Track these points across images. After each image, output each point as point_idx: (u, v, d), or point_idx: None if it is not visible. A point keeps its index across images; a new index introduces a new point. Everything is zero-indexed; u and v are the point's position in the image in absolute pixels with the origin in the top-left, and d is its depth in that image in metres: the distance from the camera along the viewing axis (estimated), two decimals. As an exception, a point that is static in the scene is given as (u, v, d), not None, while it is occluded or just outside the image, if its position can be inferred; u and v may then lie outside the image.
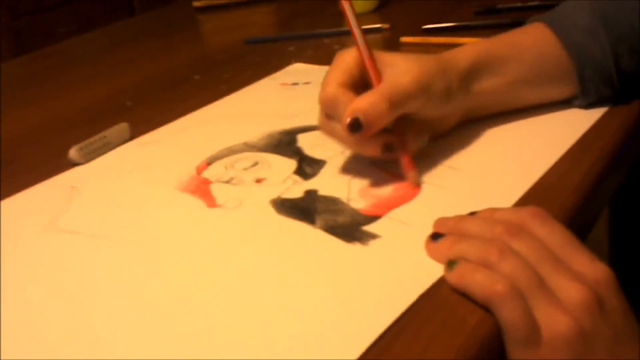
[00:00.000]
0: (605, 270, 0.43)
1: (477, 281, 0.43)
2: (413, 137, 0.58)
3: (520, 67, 0.63)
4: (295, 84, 0.85)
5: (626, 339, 0.42)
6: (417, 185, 0.57)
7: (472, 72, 0.62)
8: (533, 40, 0.65)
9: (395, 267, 0.47)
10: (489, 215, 0.49)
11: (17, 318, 0.48)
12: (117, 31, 1.37)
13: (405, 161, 0.57)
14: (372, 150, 0.58)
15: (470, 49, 0.64)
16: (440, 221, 0.50)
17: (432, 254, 0.47)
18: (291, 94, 0.82)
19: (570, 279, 0.42)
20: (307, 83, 0.85)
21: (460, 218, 0.49)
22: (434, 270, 0.46)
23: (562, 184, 0.54)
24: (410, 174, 0.57)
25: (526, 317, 0.41)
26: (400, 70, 0.58)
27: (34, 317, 0.48)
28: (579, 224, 0.51)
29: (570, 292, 0.41)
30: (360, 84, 0.59)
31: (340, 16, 1.10)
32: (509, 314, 0.41)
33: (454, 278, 0.44)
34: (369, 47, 0.59)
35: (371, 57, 0.59)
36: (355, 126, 0.55)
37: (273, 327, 0.43)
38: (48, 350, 0.44)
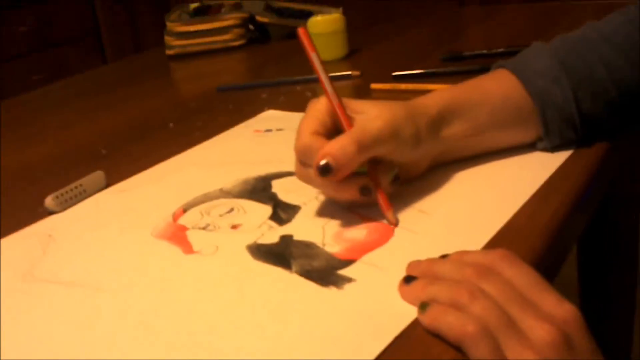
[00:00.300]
0: (573, 311, 0.44)
1: (449, 323, 0.44)
2: (386, 179, 0.60)
3: (487, 111, 0.65)
4: (269, 130, 0.87)
5: None
6: (396, 224, 0.58)
7: (441, 118, 0.63)
8: (498, 86, 0.67)
9: (371, 310, 0.48)
10: (459, 258, 0.50)
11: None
12: (90, 78, 1.38)
13: (382, 201, 0.59)
14: (349, 193, 0.59)
15: (438, 95, 0.65)
16: (412, 264, 0.51)
17: (405, 297, 0.48)
18: (265, 141, 0.84)
19: (539, 320, 0.43)
20: (280, 130, 0.86)
21: (432, 261, 0.51)
22: (408, 313, 0.47)
23: (530, 225, 0.56)
24: (388, 213, 0.58)
25: (496, 357, 0.42)
26: (370, 116, 0.60)
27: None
28: (547, 264, 0.53)
29: (539, 332, 0.42)
30: (333, 131, 0.61)
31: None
32: (480, 354, 0.42)
33: (426, 320, 0.45)
34: (338, 94, 0.61)
35: (340, 104, 0.61)
36: (325, 169, 0.56)
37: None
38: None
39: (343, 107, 0.61)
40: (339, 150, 0.56)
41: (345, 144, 0.57)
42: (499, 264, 0.47)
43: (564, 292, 0.46)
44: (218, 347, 0.46)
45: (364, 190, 0.59)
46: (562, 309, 0.44)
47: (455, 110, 0.64)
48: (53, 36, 2.64)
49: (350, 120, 0.60)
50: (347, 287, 0.51)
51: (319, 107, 0.61)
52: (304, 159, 0.60)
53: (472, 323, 0.43)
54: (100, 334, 0.50)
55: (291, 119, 0.89)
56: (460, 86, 0.67)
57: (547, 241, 0.54)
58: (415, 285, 0.48)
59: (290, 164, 0.73)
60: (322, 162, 0.56)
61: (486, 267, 0.47)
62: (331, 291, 0.50)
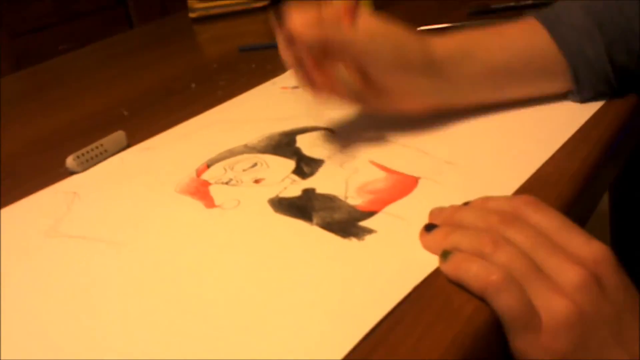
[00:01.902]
0: (602, 249, 0.43)
1: (472, 271, 0.42)
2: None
3: (504, 57, 0.63)
4: (296, 87, 0.86)
5: (629, 315, 0.42)
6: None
7: (448, 56, 0.62)
8: (521, 34, 0.64)
9: (391, 260, 0.47)
10: (483, 204, 0.49)
11: (19, 323, 0.48)
12: (114, 44, 1.38)
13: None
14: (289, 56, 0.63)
15: (453, 35, 0.64)
16: (435, 212, 0.50)
17: (427, 245, 0.47)
18: (291, 97, 0.83)
19: (567, 262, 0.42)
20: (307, 86, 0.85)
21: (454, 208, 0.49)
22: (429, 262, 0.46)
23: (559, 174, 0.54)
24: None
25: (523, 305, 0.41)
26: (367, 17, 0.62)
27: (37, 322, 0.48)
28: (576, 214, 0.51)
29: (568, 274, 0.41)
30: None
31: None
32: (505, 303, 0.41)
33: (448, 269, 0.44)
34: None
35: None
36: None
37: (274, 322, 0.43)
38: (50, 354, 0.44)
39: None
40: (304, 15, 0.60)
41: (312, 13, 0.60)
42: (524, 210, 0.46)
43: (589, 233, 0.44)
44: (240, 298, 0.46)
45: (298, 62, 0.62)
46: (591, 249, 0.43)
47: (466, 50, 0.63)
48: (79, 6, 2.65)
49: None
50: (368, 238, 0.50)
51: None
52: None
53: (496, 272, 0.41)
54: (126, 288, 0.50)
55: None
56: (478, 29, 0.65)
57: (576, 190, 0.53)
58: (436, 233, 0.47)
59: (314, 121, 0.73)
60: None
61: (511, 213, 0.46)
62: (352, 242, 0.50)
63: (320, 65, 0.61)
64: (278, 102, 0.82)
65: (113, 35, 1.43)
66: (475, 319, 0.41)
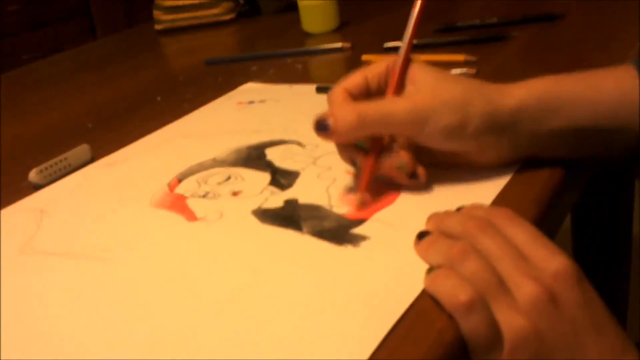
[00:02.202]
0: (565, 263, 0.43)
1: (445, 289, 0.44)
2: (390, 161, 0.56)
3: (593, 112, 0.55)
4: (252, 102, 0.86)
5: (588, 332, 0.42)
6: (358, 208, 0.56)
7: (528, 114, 0.55)
8: (614, 83, 0.55)
9: (390, 266, 0.48)
10: (469, 211, 0.50)
11: (6, 341, 0.47)
12: (79, 55, 1.37)
13: (361, 180, 0.57)
14: (344, 158, 0.59)
15: (533, 83, 0.56)
16: (431, 217, 0.51)
17: (419, 254, 0.49)
18: (250, 112, 0.83)
19: (526, 277, 0.43)
20: (263, 101, 0.86)
21: (444, 215, 0.51)
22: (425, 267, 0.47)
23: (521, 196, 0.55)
24: (358, 195, 0.56)
25: (486, 328, 0.42)
26: (413, 90, 0.56)
27: (26, 338, 0.47)
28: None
29: (525, 290, 0.42)
30: (375, 93, 0.58)
31: (302, 36, 1.12)
32: (471, 326, 0.42)
33: (427, 283, 0.45)
34: (409, 58, 0.58)
35: (403, 68, 0.57)
36: (320, 127, 0.55)
37: (279, 332, 0.43)
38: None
39: (403, 72, 0.57)
40: (340, 114, 0.55)
41: (350, 111, 0.54)
42: (501, 221, 0.47)
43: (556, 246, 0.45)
44: (237, 309, 0.46)
45: (353, 163, 0.59)
46: (553, 263, 0.43)
47: (549, 105, 0.55)
48: (43, 15, 2.59)
49: (398, 88, 0.57)
50: (364, 244, 0.51)
51: (374, 67, 0.59)
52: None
53: (465, 292, 0.42)
54: (110, 304, 0.49)
55: (272, 90, 0.89)
56: (564, 76, 0.57)
57: (541, 207, 0.54)
58: (423, 243, 0.49)
59: (279, 134, 0.73)
60: (321, 119, 0.55)
61: (488, 221, 0.47)
62: (347, 249, 0.50)
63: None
64: (237, 117, 0.82)
65: (77, 45, 1.41)
66: (445, 336, 0.42)
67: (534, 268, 0.43)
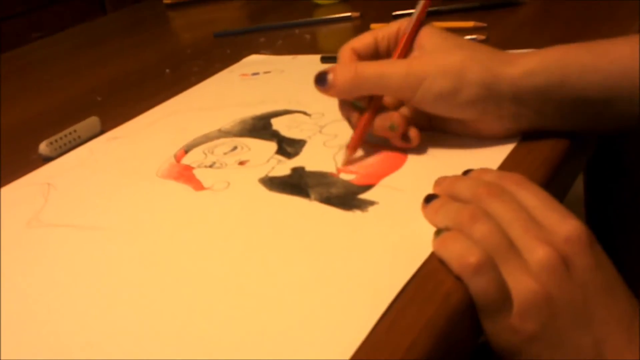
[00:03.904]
0: (577, 227, 0.43)
1: (454, 251, 0.43)
2: (382, 122, 0.56)
3: (603, 84, 0.52)
4: (256, 73, 0.85)
5: (598, 297, 0.42)
6: (344, 164, 0.57)
7: (534, 86, 0.53)
8: (628, 50, 0.52)
9: (398, 229, 0.48)
10: (479, 176, 0.50)
11: (13, 315, 0.47)
12: (88, 30, 1.36)
13: (352, 137, 0.58)
14: (342, 114, 0.60)
15: (540, 53, 0.54)
16: (438, 180, 0.51)
17: (426, 217, 0.48)
18: (254, 84, 0.83)
19: (538, 240, 0.42)
20: (268, 72, 0.85)
21: (453, 178, 0.50)
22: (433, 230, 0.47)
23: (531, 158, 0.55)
24: (346, 151, 0.58)
25: (497, 289, 0.42)
26: (416, 55, 0.57)
27: (31, 313, 0.47)
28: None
29: (537, 254, 0.42)
30: (384, 54, 0.59)
31: (311, 8, 1.11)
32: (480, 287, 0.42)
33: (436, 246, 0.45)
34: (421, 23, 0.58)
35: (412, 33, 0.57)
36: (319, 79, 0.56)
37: (283, 299, 0.43)
38: (45, 345, 0.43)
39: (412, 36, 0.57)
40: (341, 71, 0.56)
41: (350, 68, 0.56)
42: (512, 185, 0.47)
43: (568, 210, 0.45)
44: (251, 274, 0.46)
45: (349, 120, 0.59)
46: (565, 226, 0.43)
47: (556, 77, 0.53)
48: None
49: (404, 51, 0.57)
50: (372, 209, 0.50)
51: (385, 29, 0.59)
52: None
53: (475, 253, 0.42)
54: (124, 275, 0.49)
55: (276, 61, 0.89)
56: (572, 45, 0.54)
57: (548, 173, 0.54)
58: (431, 206, 0.48)
59: (284, 104, 0.73)
60: (322, 72, 0.56)
61: (499, 187, 0.46)
62: (355, 214, 0.50)
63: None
64: (240, 89, 0.82)
65: (86, 21, 1.41)
66: (451, 299, 0.41)
67: (545, 232, 0.43)
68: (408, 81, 0.54)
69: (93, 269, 0.50)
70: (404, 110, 0.59)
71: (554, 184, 0.54)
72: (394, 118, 0.56)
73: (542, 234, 0.43)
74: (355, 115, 0.58)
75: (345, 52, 0.58)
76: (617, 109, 0.54)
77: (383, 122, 0.56)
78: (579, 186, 1.12)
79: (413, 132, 0.57)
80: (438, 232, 0.46)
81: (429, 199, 0.49)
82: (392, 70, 0.55)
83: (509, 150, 0.55)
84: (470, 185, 0.48)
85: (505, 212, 0.44)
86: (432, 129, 0.59)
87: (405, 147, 0.57)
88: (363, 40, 0.59)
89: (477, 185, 0.47)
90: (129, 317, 0.44)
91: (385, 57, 0.59)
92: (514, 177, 0.48)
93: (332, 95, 0.57)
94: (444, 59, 0.54)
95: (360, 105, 0.58)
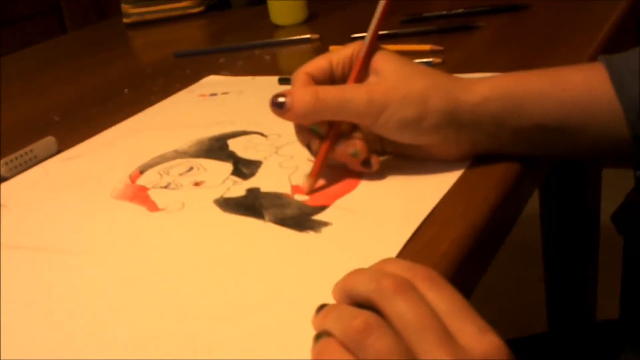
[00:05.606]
0: (495, 344, 0.36)
1: None
2: (344, 148, 0.56)
3: (560, 110, 0.53)
4: (214, 94, 0.85)
5: None
6: (307, 192, 0.56)
7: (492, 112, 0.53)
8: (583, 81, 0.53)
9: (351, 249, 0.48)
10: (382, 267, 0.42)
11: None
12: (48, 49, 1.35)
13: (315, 164, 0.57)
14: (300, 140, 0.59)
15: (497, 80, 0.55)
16: (336, 284, 0.43)
17: (314, 327, 0.41)
18: (212, 104, 0.83)
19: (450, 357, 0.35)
20: (226, 93, 0.85)
21: (352, 273, 0.42)
22: (389, 252, 0.47)
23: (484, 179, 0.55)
24: (309, 178, 0.57)
25: None
26: (374, 80, 0.56)
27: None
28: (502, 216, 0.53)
29: None
30: (339, 79, 0.58)
31: (271, 29, 1.11)
32: None
33: (312, 355, 0.39)
34: (374, 47, 0.57)
35: (366, 58, 0.56)
36: (276, 103, 0.55)
37: (238, 320, 0.43)
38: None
39: (367, 60, 0.56)
40: (299, 95, 0.54)
41: (310, 93, 0.54)
42: (422, 283, 0.39)
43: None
44: (202, 296, 0.46)
45: (308, 147, 0.58)
46: (482, 344, 0.36)
47: (513, 103, 0.53)
48: (12, 12, 2.55)
49: (360, 76, 0.56)
50: (325, 230, 0.51)
51: (339, 52, 0.58)
52: None
53: None
54: (73, 296, 0.48)
55: (235, 82, 0.89)
56: (529, 73, 0.55)
57: (501, 195, 0.54)
58: (320, 314, 0.40)
59: (241, 125, 0.73)
60: (279, 97, 0.55)
61: (407, 282, 0.39)
62: (309, 235, 0.50)
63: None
64: (198, 110, 0.82)
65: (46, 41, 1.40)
66: None
67: (459, 349, 0.36)
68: (370, 108, 0.53)
69: (44, 290, 0.49)
70: (359, 135, 0.57)
71: (508, 205, 0.54)
72: (357, 145, 0.55)
73: (456, 351, 0.36)
74: (315, 142, 0.57)
75: (300, 76, 0.57)
76: (571, 137, 0.54)
77: (345, 149, 0.56)
78: (534, 204, 1.13)
79: (374, 159, 0.56)
80: (317, 338, 0.39)
81: (319, 308, 0.41)
82: (353, 95, 0.54)
83: (461, 172, 0.56)
84: (372, 278, 0.39)
85: (412, 317, 0.37)
86: (385, 153, 0.59)
87: (365, 172, 0.57)
88: (318, 64, 0.58)
89: (379, 277, 0.39)
90: (81, 339, 0.43)
91: (340, 82, 0.58)
92: (425, 271, 0.40)
93: (289, 119, 0.56)
94: (406, 87, 0.54)
95: (319, 131, 0.57)
